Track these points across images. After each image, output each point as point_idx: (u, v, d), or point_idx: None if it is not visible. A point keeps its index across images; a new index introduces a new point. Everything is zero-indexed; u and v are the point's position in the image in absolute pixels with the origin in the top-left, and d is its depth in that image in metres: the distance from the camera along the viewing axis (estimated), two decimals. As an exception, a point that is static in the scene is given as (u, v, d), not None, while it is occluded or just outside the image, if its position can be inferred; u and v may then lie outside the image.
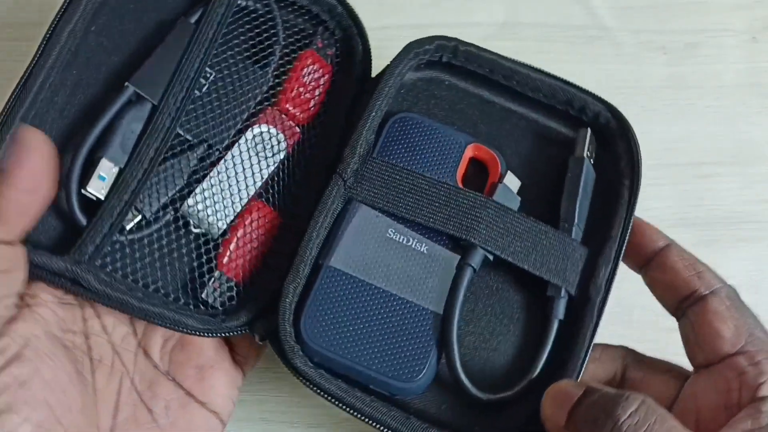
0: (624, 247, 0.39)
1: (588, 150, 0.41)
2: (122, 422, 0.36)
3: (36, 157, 0.33)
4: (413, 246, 0.39)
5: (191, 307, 0.38)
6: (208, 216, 0.39)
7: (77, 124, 0.38)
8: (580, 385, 0.33)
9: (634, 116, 0.51)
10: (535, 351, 0.38)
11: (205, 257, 0.39)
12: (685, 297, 0.37)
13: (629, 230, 0.39)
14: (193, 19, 0.41)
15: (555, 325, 0.38)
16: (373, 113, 0.40)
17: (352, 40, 0.44)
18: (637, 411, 0.31)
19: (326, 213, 0.39)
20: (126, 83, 0.39)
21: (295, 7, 0.44)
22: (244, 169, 0.40)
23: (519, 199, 0.40)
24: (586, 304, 0.38)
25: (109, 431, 0.35)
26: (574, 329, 0.38)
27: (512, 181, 0.41)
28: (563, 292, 0.38)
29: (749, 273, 0.49)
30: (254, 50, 0.43)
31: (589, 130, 0.41)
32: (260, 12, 0.43)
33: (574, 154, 0.41)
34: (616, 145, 0.41)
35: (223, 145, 0.41)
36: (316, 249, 0.39)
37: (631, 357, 0.39)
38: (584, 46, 0.53)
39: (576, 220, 0.39)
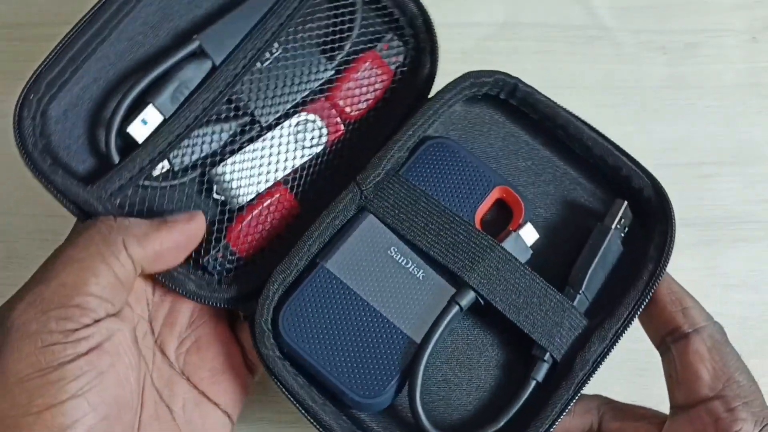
0: (626, 330, 0.37)
1: (619, 222, 0.39)
2: (146, 419, 0.36)
3: (199, 224, 0.37)
4: (410, 269, 0.39)
5: (190, 267, 0.38)
6: (232, 187, 0.40)
7: (136, 69, 0.39)
8: None
9: (634, 116, 0.52)
10: (504, 405, 0.37)
11: (217, 225, 0.40)
12: (668, 332, 0.37)
13: (636, 314, 0.37)
14: None
15: (531, 386, 0.37)
16: (410, 132, 0.40)
17: (422, 55, 0.43)
18: None
19: (335, 215, 0.39)
20: (194, 36, 0.39)
21: (378, 5, 0.43)
22: (279, 152, 0.41)
23: (531, 252, 0.39)
24: (568, 375, 0.37)
25: (136, 428, 0.35)
26: (548, 395, 0.37)
27: (529, 233, 0.39)
28: (548, 356, 0.37)
29: (749, 273, 0.49)
30: (326, 39, 0.42)
31: (626, 203, 0.39)
32: (344, 2, 0.43)
33: (603, 222, 0.39)
34: (652, 226, 0.39)
35: (267, 123, 0.41)
36: (316, 246, 0.39)
37: (606, 406, 0.39)
38: (584, 46, 0.53)
39: (583, 288, 0.38)
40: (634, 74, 0.52)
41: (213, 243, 0.39)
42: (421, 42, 0.43)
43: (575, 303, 0.38)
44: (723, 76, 0.52)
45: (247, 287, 0.39)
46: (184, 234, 0.36)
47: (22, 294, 0.31)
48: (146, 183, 0.38)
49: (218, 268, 0.39)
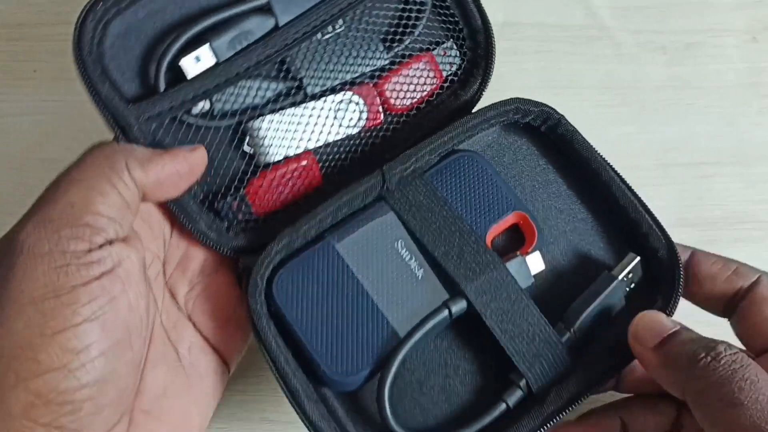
0: (601, 384, 0.37)
1: (626, 276, 0.39)
2: (153, 357, 0.36)
3: (201, 155, 0.37)
4: (412, 266, 0.39)
5: (204, 207, 0.40)
6: (263, 144, 0.40)
7: (203, 11, 0.40)
8: (675, 323, 0.35)
9: (633, 116, 0.52)
10: (469, 420, 0.37)
11: (240, 175, 0.40)
12: (730, 298, 0.38)
13: (619, 373, 0.38)
14: None
15: (500, 409, 0.37)
16: (444, 139, 0.40)
17: (475, 70, 0.43)
18: (735, 353, 0.32)
19: (354, 197, 0.39)
20: None
21: (445, 12, 0.44)
22: (316, 123, 0.41)
23: (533, 281, 0.39)
24: (537, 407, 0.36)
25: (143, 362, 0.35)
26: (515, 421, 0.36)
27: (535, 262, 0.39)
28: (524, 383, 0.37)
29: (749, 273, 0.49)
30: (389, 29, 0.43)
31: (638, 259, 0.39)
32: (414, 0, 0.43)
33: (611, 271, 0.39)
34: (659, 289, 0.39)
35: (311, 93, 0.41)
36: (328, 221, 0.39)
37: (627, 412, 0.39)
38: (584, 46, 0.53)
39: (575, 327, 0.38)
40: (634, 74, 0.52)
41: (232, 191, 0.40)
42: (477, 57, 0.44)
43: (563, 339, 0.38)
44: (723, 76, 0.52)
45: (253, 242, 0.39)
46: (186, 162, 0.37)
47: (29, 215, 0.31)
48: (183, 117, 0.39)
49: (230, 215, 0.40)
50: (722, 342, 0.33)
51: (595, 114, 0.51)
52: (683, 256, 0.39)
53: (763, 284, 0.37)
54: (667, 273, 0.39)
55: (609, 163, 0.40)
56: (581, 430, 0.40)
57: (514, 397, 0.37)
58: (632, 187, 0.40)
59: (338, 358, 0.37)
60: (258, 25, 0.40)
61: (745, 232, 0.50)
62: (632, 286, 0.39)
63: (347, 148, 0.42)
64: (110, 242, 0.32)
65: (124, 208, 0.33)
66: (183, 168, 0.37)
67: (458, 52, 0.44)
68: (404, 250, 0.39)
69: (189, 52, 0.39)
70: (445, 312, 0.38)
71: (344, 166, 0.42)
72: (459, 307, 0.38)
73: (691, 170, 0.50)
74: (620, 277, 0.39)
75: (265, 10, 0.40)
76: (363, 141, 0.43)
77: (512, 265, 0.39)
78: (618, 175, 0.40)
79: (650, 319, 0.36)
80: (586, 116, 0.49)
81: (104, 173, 0.33)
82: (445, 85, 0.44)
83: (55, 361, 0.29)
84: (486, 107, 0.41)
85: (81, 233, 0.30)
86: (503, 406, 0.37)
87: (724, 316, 0.39)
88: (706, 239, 0.49)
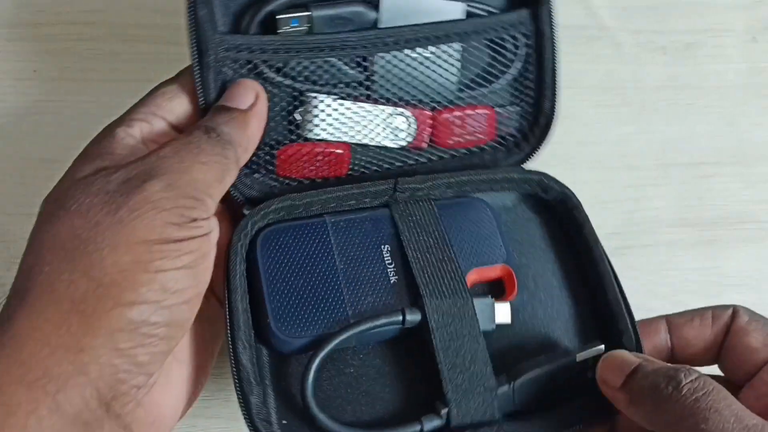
0: None
1: (587, 361, 0.39)
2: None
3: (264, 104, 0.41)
4: (388, 270, 0.40)
5: None
6: (312, 120, 0.42)
7: None
8: (638, 356, 0.36)
9: (633, 116, 0.52)
10: (382, 428, 0.38)
11: (278, 136, 0.42)
12: (720, 344, 0.38)
13: None
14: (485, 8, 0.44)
15: (414, 428, 0.37)
16: (465, 179, 0.42)
17: (523, 144, 0.45)
18: (697, 379, 0.32)
19: (364, 194, 0.42)
20: None
21: (524, 83, 0.45)
22: (364, 126, 0.43)
23: (494, 327, 0.40)
24: None
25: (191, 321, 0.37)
26: None
27: (503, 312, 0.40)
28: (445, 413, 0.38)
29: (749, 273, 0.49)
30: (470, 70, 0.44)
31: (603, 348, 0.39)
32: (505, 61, 0.45)
33: (575, 351, 0.40)
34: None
35: (374, 97, 0.43)
36: (332, 205, 0.41)
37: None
38: (584, 46, 0.53)
39: (515, 384, 0.38)
40: (635, 74, 0.52)
41: (264, 147, 0.42)
42: (531, 135, 0.45)
43: (499, 389, 0.38)
44: (723, 76, 0.52)
45: (263, 198, 0.41)
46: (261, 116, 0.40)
47: (157, 173, 0.35)
48: (258, 64, 0.41)
49: (253, 166, 0.41)
50: (682, 368, 0.33)
51: (595, 114, 0.51)
52: (660, 330, 0.39)
53: (739, 315, 0.37)
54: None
55: (607, 257, 0.41)
56: None
57: (431, 423, 0.37)
58: (623, 289, 0.41)
59: (287, 318, 0.38)
60: (358, 17, 0.42)
61: (745, 232, 0.50)
62: (589, 371, 0.39)
63: (381, 157, 0.44)
64: (210, 216, 0.37)
65: (224, 192, 0.38)
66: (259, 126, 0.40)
67: (518, 122, 0.45)
68: (388, 254, 0.40)
69: (288, 12, 0.41)
70: (399, 316, 0.38)
71: (371, 171, 0.44)
72: (413, 317, 0.38)
73: (691, 170, 0.50)
74: (577, 360, 0.39)
75: (372, 4, 0.42)
76: (399, 157, 0.44)
77: (479, 304, 0.39)
78: (614, 271, 0.41)
79: (613, 358, 0.36)
80: (586, 116, 0.49)
81: (223, 164, 0.37)
82: (491, 143, 0.45)
83: (153, 296, 0.33)
84: (512, 169, 0.43)
85: (196, 205, 0.35)
86: (418, 427, 0.37)
87: (717, 363, 0.38)
88: (706, 239, 0.49)
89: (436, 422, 0.38)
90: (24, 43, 0.53)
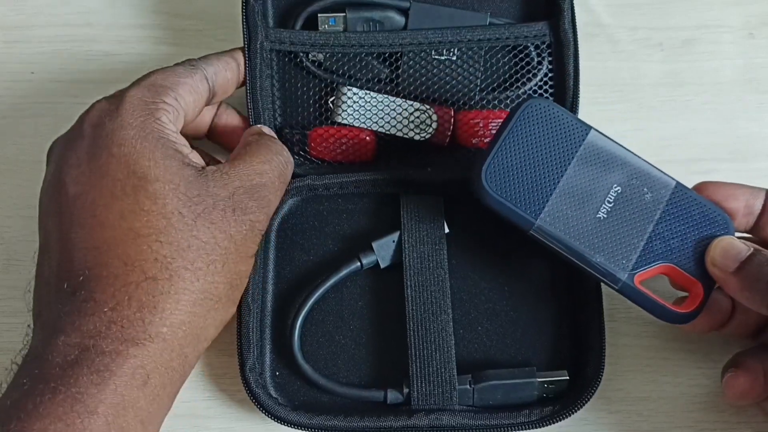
0: None
1: (547, 383, 0.42)
2: None
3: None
4: (602, 207, 0.41)
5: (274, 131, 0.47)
6: (342, 107, 0.47)
7: None
8: (747, 244, 0.38)
9: (631, 113, 0.52)
10: (349, 387, 0.44)
11: (312, 120, 0.48)
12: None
13: None
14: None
15: (377, 397, 0.43)
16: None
17: None
18: None
19: (376, 181, 0.46)
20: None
21: (547, 91, 0.48)
22: (389, 119, 0.47)
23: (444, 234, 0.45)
24: (404, 416, 0.42)
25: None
26: (379, 414, 0.42)
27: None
28: (406, 393, 0.42)
29: (747, 269, 0.49)
30: (499, 75, 0.48)
31: (567, 379, 0.42)
32: (530, 68, 0.48)
33: (538, 371, 0.42)
34: (562, 410, 0.42)
35: (402, 90, 0.48)
36: (350, 187, 0.47)
37: None
38: (581, 43, 0.53)
39: (476, 386, 0.42)
40: (632, 71, 0.52)
41: (298, 128, 0.48)
42: None
43: (459, 386, 0.42)
44: (720, 72, 0.52)
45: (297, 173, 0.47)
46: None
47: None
48: (300, 56, 0.48)
49: (290, 144, 0.47)
50: None
51: (591, 111, 0.51)
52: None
53: None
54: (578, 404, 0.41)
55: (602, 312, 0.43)
56: (748, 375, 0.41)
57: (394, 395, 0.42)
58: (605, 331, 0.43)
59: (499, 173, 0.40)
60: (389, 21, 0.47)
61: (743, 228, 0.50)
62: (548, 396, 0.42)
63: (404, 149, 0.48)
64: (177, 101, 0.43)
65: (193, 96, 0.44)
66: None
67: None
68: (613, 194, 0.41)
69: (328, 13, 0.47)
70: (357, 263, 0.44)
71: (394, 158, 0.48)
72: (369, 259, 0.44)
73: (688, 167, 0.50)
74: (538, 381, 0.42)
75: (403, 11, 0.47)
76: (419, 148, 0.48)
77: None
78: (601, 314, 0.43)
79: (726, 244, 0.39)
80: (583, 113, 0.49)
81: (192, 76, 0.44)
82: None
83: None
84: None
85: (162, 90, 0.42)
86: (382, 394, 0.42)
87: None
88: (705, 235, 0.49)
89: (399, 397, 0.42)
90: (21, 44, 0.53)
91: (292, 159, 0.45)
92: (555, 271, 0.45)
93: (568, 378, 0.42)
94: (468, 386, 0.42)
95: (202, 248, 0.38)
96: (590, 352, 0.42)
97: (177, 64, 0.44)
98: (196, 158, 0.41)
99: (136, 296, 0.36)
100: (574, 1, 0.48)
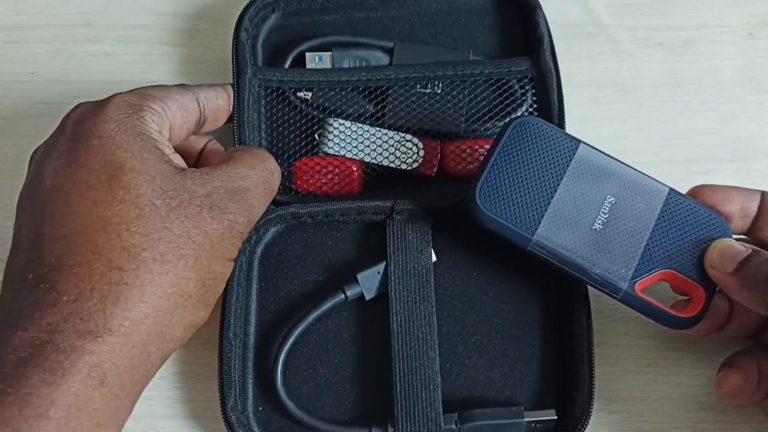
0: None
1: (535, 423, 0.41)
2: None
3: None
4: (597, 218, 0.41)
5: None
6: (330, 138, 0.47)
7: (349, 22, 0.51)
8: (745, 246, 0.39)
9: (630, 113, 0.52)
10: (332, 424, 0.42)
11: (300, 150, 0.48)
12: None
13: None
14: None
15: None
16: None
17: None
18: None
19: (362, 208, 0.45)
20: (394, 40, 0.50)
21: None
22: (373, 149, 0.47)
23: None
24: None
25: None
26: None
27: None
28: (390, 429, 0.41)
29: (747, 269, 0.49)
30: (483, 107, 0.48)
31: (555, 418, 0.42)
32: (511, 100, 0.48)
33: (525, 410, 0.42)
34: None
35: (388, 123, 0.48)
36: (335, 215, 0.46)
37: None
38: (581, 44, 0.53)
39: (462, 425, 0.41)
40: (632, 71, 0.52)
41: (287, 157, 0.48)
42: None
43: (445, 426, 0.41)
44: (720, 72, 0.52)
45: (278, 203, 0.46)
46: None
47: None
48: (287, 93, 0.49)
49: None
50: None
51: (591, 111, 0.51)
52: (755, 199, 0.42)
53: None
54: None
55: (593, 337, 0.43)
56: (740, 374, 0.41)
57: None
58: (594, 368, 0.42)
59: (493, 192, 0.41)
60: (374, 60, 0.49)
61: (743, 228, 0.50)
62: (535, 426, 0.42)
63: (391, 179, 0.47)
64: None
65: (181, 114, 0.44)
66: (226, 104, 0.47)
67: None
68: (607, 205, 0.41)
69: (315, 52, 0.49)
70: (342, 296, 0.43)
71: (381, 189, 0.47)
72: (354, 291, 0.44)
73: (688, 167, 0.50)
74: (525, 421, 0.41)
75: (387, 50, 0.49)
76: (407, 179, 0.47)
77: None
78: (592, 348, 0.42)
79: (724, 246, 0.39)
80: (582, 114, 0.49)
81: (182, 94, 0.44)
82: None
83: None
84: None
85: (148, 98, 0.42)
86: None
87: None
88: (704, 235, 0.49)
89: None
90: (21, 45, 0.53)
91: (279, 168, 0.44)
92: (545, 301, 0.44)
93: (556, 418, 0.41)
94: (454, 426, 0.41)
95: (173, 241, 0.37)
96: (578, 391, 0.42)
97: (169, 85, 0.44)
98: (178, 160, 0.40)
99: (99, 287, 0.35)
100: (574, 1, 0.48)
